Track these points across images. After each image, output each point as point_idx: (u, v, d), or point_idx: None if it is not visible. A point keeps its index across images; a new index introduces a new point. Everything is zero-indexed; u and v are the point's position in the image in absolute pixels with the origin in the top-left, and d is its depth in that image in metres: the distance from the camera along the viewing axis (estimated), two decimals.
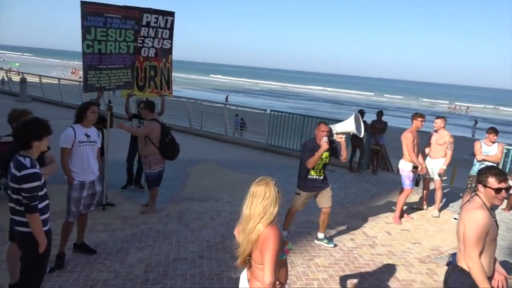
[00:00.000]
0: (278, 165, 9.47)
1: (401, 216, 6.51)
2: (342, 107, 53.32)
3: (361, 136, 5.46)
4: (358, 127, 5.16)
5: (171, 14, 6.65)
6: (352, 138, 9.50)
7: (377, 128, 9.55)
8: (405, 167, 6.40)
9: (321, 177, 5.18)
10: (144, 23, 6.24)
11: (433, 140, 6.81)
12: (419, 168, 6.33)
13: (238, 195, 7.11)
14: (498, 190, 2.67)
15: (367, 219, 6.42)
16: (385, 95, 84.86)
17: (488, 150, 6.52)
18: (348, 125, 5.22)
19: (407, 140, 6.31)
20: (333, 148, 5.06)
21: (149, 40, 6.45)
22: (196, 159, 9.26)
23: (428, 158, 6.87)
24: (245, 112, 17.00)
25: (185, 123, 13.48)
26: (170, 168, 7.65)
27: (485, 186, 2.71)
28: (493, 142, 6.58)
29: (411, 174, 6.39)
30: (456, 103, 68.51)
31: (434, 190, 6.93)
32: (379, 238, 5.73)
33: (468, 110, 59.31)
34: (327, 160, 5.14)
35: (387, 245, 5.51)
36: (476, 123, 37.45)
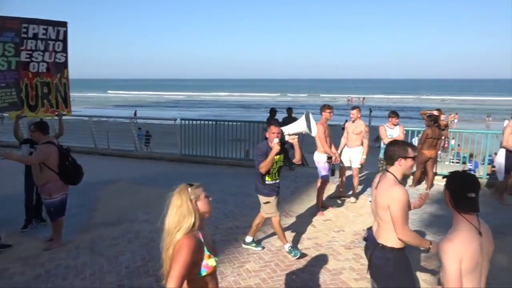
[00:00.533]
0: (195, 174, 9.17)
1: (322, 207, 6.63)
2: (250, 110, 54.31)
3: (313, 135, 5.22)
4: (309, 126, 4.97)
5: (63, 24, 6.03)
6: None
7: (287, 124, 9.69)
8: (320, 159, 6.54)
9: (278, 181, 4.97)
10: (30, 35, 5.56)
11: (350, 130, 7.09)
12: (333, 158, 6.51)
13: (157, 211, 6.70)
14: (413, 159, 2.82)
15: (291, 216, 6.43)
16: (289, 94, 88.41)
17: (392, 133, 6.97)
18: (299, 125, 5.03)
19: (319, 132, 6.45)
20: (285, 149, 4.86)
21: (39, 54, 5.77)
22: (106, 180, 8.54)
23: (345, 147, 7.13)
24: (154, 125, 16.33)
25: (90, 143, 12.46)
26: (76, 194, 6.92)
27: (406, 157, 2.78)
28: (395, 125, 7.04)
29: (326, 165, 6.54)
30: (352, 95, 73.97)
31: (350, 178, 7.20)
32: (305, 232, 5.75)
33: (364, 101, 64.26)
34: (281, 163, 4.93)
35: (313, 237, 5.54)
36: (371, 111, 40.70)
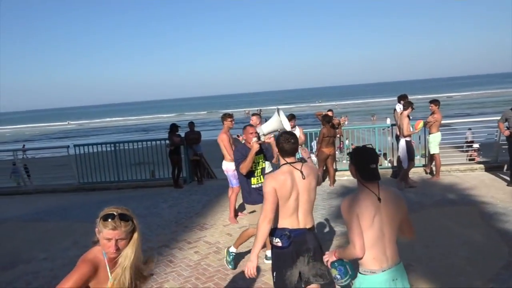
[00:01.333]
0: (97, 202, 8.49)
1: (236, 215, 6.62)
2: (150, 132, 52.79)
3: (288, 129, 5.05)
4: (283, 122, 4.70)
5: None
6: (171, 154, 9.29)
7: (191, 138, 9.57)
8: (229, 167, 6.54)
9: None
10: None
11: None
12: None
13: (57, 247, 6.10)
14: None
15: (206, 228, 6.30)
16: (187, 113, 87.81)
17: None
18: (273, 123, 4.78)
19: (224, 141, 6.48)
20: (262, 150, 4.70)
21: None
22: None
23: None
24: (43, 160, 14.72)
25: None
26: None
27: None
28: (293, 127, 7.36)
29: (236, 173, 6.56)
30: (249, 108, 76.48)
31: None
32: (222, 242, 5.66)
33: (261, 112, 66.63)
34: (263, 164, 4.78)
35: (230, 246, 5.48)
36: (265, 120, 42.17)
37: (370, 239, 2.30)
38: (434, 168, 8.41)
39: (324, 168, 8.55)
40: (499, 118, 7.69)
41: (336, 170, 8.94)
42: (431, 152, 8.23)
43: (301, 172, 2.91)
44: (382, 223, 2.32)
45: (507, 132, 7.27)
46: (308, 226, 2.94)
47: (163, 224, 6.69)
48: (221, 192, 8.23)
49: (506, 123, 7.39)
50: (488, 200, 6.60)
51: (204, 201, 8.02)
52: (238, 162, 4.56)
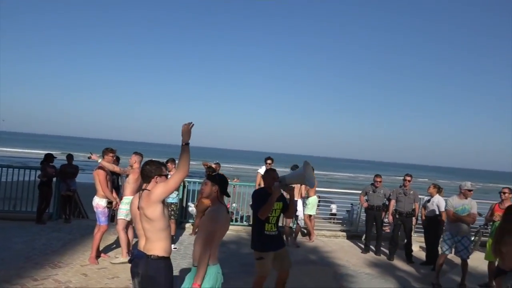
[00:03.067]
0: None
1: (98, 256, 6.20)
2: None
3: (311, 187, 4.66)
4: (308, 177, 4.29)
5: None
6: (42, 186, 8.53)
7: (67, 172, 8.95)
8: (99, 203, 6.22)
9: (277, 232, 4.41)
10: None
11: None
12: (114, 203, 6.30)
13: None
14: (166, 176, 3.24)
15: (60, 266, 5.76)
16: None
17: None
18: (298, 175, 4.35)
19: (100, 176, 6.21)
20: (284, 197, 4.51)
21: None
22: None
23: None
24: None
25: None
26: None
27: (161, 175, 3.12)
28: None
29: (106, 210, 6.26)
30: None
31: None
32: (74, 281, 5.22)
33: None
34: (280, 212, 4.48)
35: (82, 286, 5.08)
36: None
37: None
38: (305, 231, 8.99)
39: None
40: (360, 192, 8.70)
41: None
42: (308, 213, 8.73)
43: (139, 200, 3.06)
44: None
45: (365, 204, 8.24)
46: (148, 253, 2.97)
47: (10, 258, 5.96)
48: (89, 232, 7.66)
49: (366, 197, 8.37)
50: (343, 263, 7.23)
51: (66, 239, 7.37)
52: (257, 206, 4.34)
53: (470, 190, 6.47)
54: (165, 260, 2.99)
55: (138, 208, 3.04)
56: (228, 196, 3.46)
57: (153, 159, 3.31)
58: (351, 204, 11.85)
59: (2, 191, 8.97)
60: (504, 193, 6.41)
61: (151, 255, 2.94)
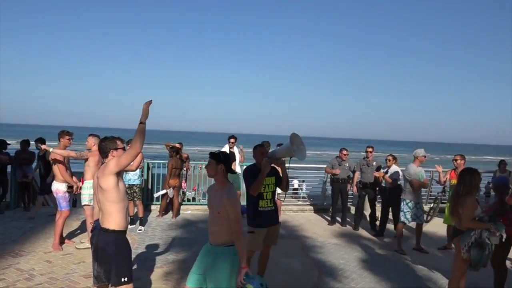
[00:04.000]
0: None
1: (62, 242, 6.01)
2: None
3: (301, 159, 4.29)
4: (296, 149, 4.17)
5: None
6: None
7: (22, 158, 8.53)
8: (59, 188, 5.98)
9: (273, 208, 4.36)
10: None
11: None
12: (74, 187, 6.08)
13: None
14: (123, 149, 3.29)
15: (21, 255, 5.54)
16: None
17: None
18: (288, 148, 4.18)
19: (57, 159, 5.95)
20: (276, 172, 4.46)
21: None
22: None
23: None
24: None
25: None
26: None
27: (117, 149, 3.22)
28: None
29: (67, 195, 6.04)
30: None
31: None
32: (37, 269, 5.04)
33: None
34: (274, 187, 4.43)
35: (47, 273, 4.92)
36: None
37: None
38: None
39: (169, 200, 8.49)
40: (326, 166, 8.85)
41: (181, 203, 8.94)
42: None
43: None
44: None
45: (337, 171, 8.23)
46: (102, 225, 3.05)
47: None
48: (50, 220, 7.41)
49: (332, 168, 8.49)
50: (310, 235, 7.40)
51: (27, 228, 7.08)
52: (249, 182, 4.29)
53: (424, 156, 6.80)
54: (116, 234, 3.03)
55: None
56: (233, 172, 3.39)
57: (107, 135, 3.35)
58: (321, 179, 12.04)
59: None
60: (456, 160, 6.73)
61: (103, 228, 3.04)
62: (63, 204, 6.02)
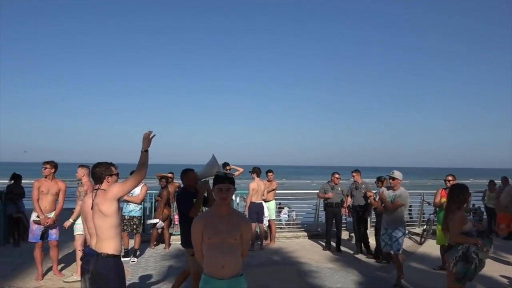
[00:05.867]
0: None
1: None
2: None
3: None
4: (215, 168, 4.66)
5: None
6: None
7: (15, 193, 8.42)
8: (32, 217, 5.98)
9: None
10: None
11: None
12: (41, 218, 5.82)
13: None
14: (117, 175, 3.42)
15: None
16: None
17: (133, 192, 7.09)
18: (209, 168, 4.71)
19: (33, 189, 5.86)
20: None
21: None
22: None
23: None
24: None
25: None
26: None
27: (111, 175, 3.34)
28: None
29: (33, 226, 5.90)
30: None
31: None
32: None
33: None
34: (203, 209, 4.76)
35: None
36: None
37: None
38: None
39: (160, 231, 8.41)
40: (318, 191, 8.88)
41: (171, 234, 8.83)
42: (270, 218, 8.78)
43: (92, 200, 3.15)
44: None
45: (330, 194, 8.21)
46: (99, 251, 3.05)
47: None
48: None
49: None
50: (305, 260, 7.36)
51: (16, 263, 6.92)
52: (186, 206, 4.56)
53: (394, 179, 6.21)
54: (115, 258, 3.07)
55: (92, 206, 3.13)
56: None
57: (101, 161, 3.43)
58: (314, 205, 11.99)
59: None
60: (449, 180, 6.83)
61: (101, 253, 3.04)
62: (30, 236, 5.94)
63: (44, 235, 5.85)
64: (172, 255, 7.70)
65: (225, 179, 2.84)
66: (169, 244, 8.33)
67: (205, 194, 4.73)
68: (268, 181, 8.86)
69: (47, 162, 5.94)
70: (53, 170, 5.94)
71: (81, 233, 5.84)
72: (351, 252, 8.17)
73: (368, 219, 8.49)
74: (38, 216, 5.82)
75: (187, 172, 4.76)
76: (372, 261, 7.49)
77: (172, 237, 8.77)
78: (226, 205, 2.87)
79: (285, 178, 61.75)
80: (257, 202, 8.30)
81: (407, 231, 6.54)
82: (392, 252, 5.97)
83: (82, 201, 5.66)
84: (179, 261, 7.22)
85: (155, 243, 8.36)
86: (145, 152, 3.04)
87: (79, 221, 5.88)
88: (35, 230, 5.86)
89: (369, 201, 7.72)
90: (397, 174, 6.23)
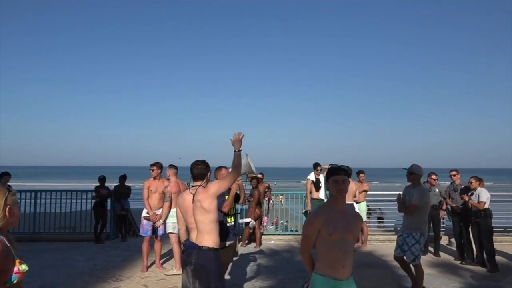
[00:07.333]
0: None
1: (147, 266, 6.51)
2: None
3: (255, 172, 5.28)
4: (251, 166, 4.72)
5: None
6: (96, 207, 8.96)
7: (121, 193, 9.32)
8: (142, 214, 6.58)
9: (233, 223, 4.89)
10: None
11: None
12: (150, 214, 6.47)
13: None
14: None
15: (122, 280, 6.00)
16: None
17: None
18: (243, 167, 4.96)
19: (143, 189, 6.48)
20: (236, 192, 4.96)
21: None
22: None
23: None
24: None
25: None
26: None
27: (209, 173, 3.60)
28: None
29: (144, 222, 6.51)
30: None
31: None
32: None
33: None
34: (234, 204, 5.01)
35: None
36: None
37: None
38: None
39: (252, 230, 8.63)
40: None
41: (262, 233, 9.02)
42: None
43: (193, 195, 3.31)
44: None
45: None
46: (200, 244, 3.20)
47: (75, 274, 6.26)
48: None
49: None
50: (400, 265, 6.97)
51: (125, 255, 7.65)
52: (219, 201, 4.80)
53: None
54: (215, 251, 3.23)
55: (193, 201, 3.29)
56: None
57: (198, 160, 3.60)
58: None
59: (63, 216, 9.55)
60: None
61: (202, 246, 3.19)
62: (141, 230, 6.49)
63: (155, 230, 6.41)
64: (264, 253, 7.86)
65: (340, 171, 2.65)
66: (260, 243, 8.52)
67: (238, 191, 4.98)
68: (359, 181, 8.62)
69: (154, 164, 6.54)
70: (159, 171, 6.52)
71: (173, 231, 6.26)
72: (452, 258, 7.60)
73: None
74: (147, 213, 6.42)
75: (220, 169, 4.88)
76: (478, 268, 6.87)
77: (264, 236, 8.97)
78: (343, 198, 2.71)
79: (377, 181, 59.53)
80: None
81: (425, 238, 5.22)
82: (405, 258, 5.24)
83: (170, 201, 6.18)
84: (271, 259, 7.35)
85: (246, 242, 8.61)
86: (238, 152, 3.28)
87: (169, 220, 6.34)
88: (145, 226, 6.45)
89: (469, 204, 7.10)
90: (415, 168, 5.20)
